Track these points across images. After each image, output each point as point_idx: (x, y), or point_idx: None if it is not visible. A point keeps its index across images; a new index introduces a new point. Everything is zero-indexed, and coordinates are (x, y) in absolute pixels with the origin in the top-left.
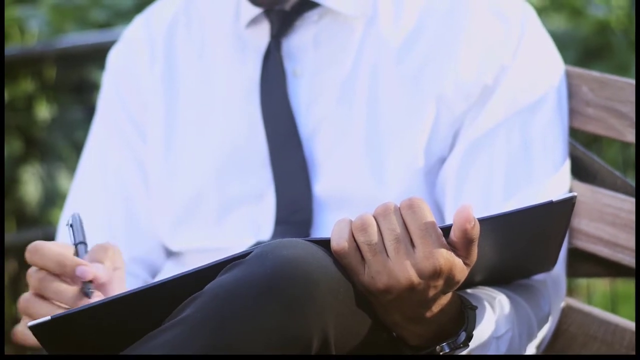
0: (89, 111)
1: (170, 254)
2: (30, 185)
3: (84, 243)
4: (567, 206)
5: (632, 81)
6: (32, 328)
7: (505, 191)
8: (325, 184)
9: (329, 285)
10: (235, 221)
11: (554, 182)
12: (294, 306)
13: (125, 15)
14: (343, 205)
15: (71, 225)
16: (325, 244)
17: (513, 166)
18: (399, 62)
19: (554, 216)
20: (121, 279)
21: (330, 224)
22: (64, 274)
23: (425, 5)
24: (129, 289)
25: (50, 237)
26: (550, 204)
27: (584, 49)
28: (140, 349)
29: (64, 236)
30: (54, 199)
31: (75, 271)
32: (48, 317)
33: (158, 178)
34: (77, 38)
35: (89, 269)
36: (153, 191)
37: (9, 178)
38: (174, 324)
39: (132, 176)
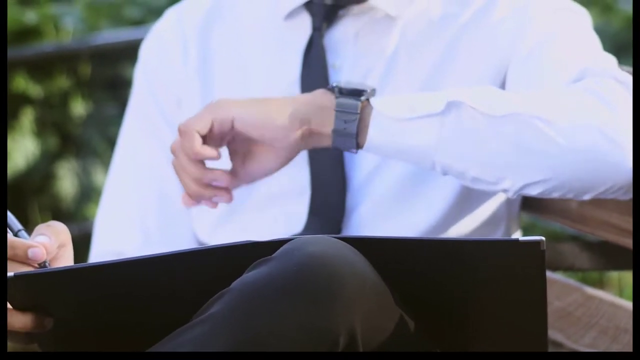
0: (124, 107)
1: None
2: (66, 180)
3: (24, 230)
4: (533, 251)
5: None
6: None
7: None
8: (361, 177)
9: (355, 281)
10: (271, 215)
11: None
12: (320, 302)
13: (159, 12)
14: (377, 196)
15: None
16: (352, 241)
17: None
18: (433, 51)
19: (520, 264)
20: (67, 257)
21: (364, 217)
22: (15, 258)
23: None
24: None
25: (87, 232)
26: (515, 243)
27: (614, 44)
28: (167, 346)
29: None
30: (89, 194)
31: (28, 254)
32: (11, 274)
33: None
34: (112, 35)
35: (40, 250)
36: None
37: (45, 174)
38: (201, 320)
39: (166, 174)
